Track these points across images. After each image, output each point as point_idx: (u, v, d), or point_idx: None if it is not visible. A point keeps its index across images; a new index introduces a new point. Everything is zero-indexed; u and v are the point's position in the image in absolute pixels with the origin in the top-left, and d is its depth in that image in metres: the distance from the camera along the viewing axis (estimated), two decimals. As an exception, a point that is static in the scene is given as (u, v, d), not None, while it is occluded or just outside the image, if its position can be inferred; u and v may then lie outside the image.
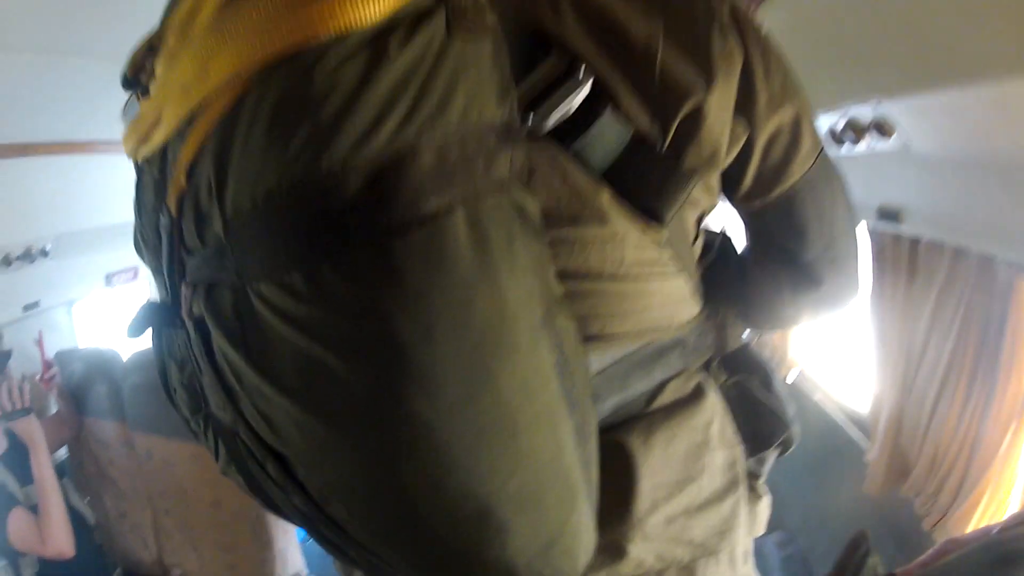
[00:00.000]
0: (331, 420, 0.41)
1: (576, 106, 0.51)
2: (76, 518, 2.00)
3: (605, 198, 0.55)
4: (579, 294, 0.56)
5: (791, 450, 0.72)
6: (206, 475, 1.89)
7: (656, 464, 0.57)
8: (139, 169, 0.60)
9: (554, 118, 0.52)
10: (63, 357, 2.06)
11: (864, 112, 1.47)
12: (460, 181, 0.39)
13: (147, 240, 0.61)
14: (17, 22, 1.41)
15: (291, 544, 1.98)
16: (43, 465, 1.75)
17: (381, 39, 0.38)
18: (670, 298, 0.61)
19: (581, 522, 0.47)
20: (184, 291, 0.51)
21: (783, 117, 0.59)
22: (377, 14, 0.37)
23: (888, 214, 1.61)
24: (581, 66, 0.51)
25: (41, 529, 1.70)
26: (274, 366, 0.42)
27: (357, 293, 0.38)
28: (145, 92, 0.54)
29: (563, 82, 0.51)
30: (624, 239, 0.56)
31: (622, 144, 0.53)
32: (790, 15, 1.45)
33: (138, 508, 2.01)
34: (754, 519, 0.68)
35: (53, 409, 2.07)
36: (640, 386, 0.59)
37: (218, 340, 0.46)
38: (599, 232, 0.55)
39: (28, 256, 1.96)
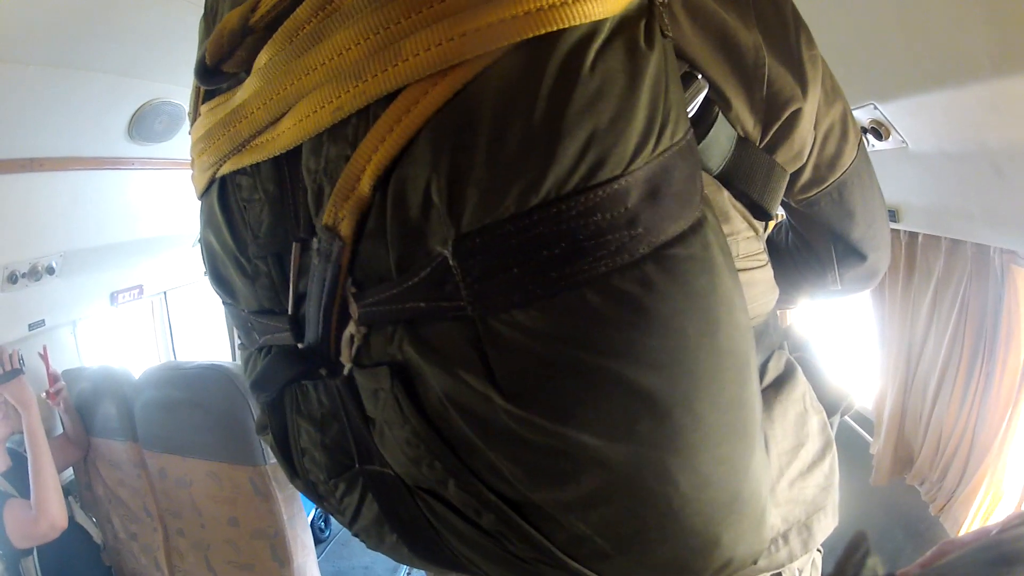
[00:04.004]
0: (620, 440, 0.37)
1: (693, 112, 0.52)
2: (83, 538, 1.95)
3: (726, 198, 0.57)
4: None
5: (850, 413, 0.79)
6: (223, 493, 1.85)
7: (778, 435, 0.61)
8: (221, 185, 0.51)
9: None
10: (70, 376, 2.02)
11: (861, 115, 1.57)
12: (699, 191, 0.40)
13: (253, 273, 0.51)
14: (24, 34, 1.41)
15: (309, 561, 1.95)
16: (35, 428, 1.72)
17: (626, 30, 0.36)
18: (767, 285, 0.65)
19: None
20: (352, 332, 0.44)
21: (835, 114, 0.62)
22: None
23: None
24: (697, 73, 0.51)
25: (34, 502, 1.65)
26: (546, 399, 0.37)
27: (650, 304, 0.36)
28: (229, 84, 0.47)
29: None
30: (738, 234, 0.59)
31: (732, 146, 0.55)
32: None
33: (149, 528, 1.97)
34: None
35: (59, 429, 2.02)
36: None
37: (445, 385, 0.39)
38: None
39: (34, 273, 1.92)
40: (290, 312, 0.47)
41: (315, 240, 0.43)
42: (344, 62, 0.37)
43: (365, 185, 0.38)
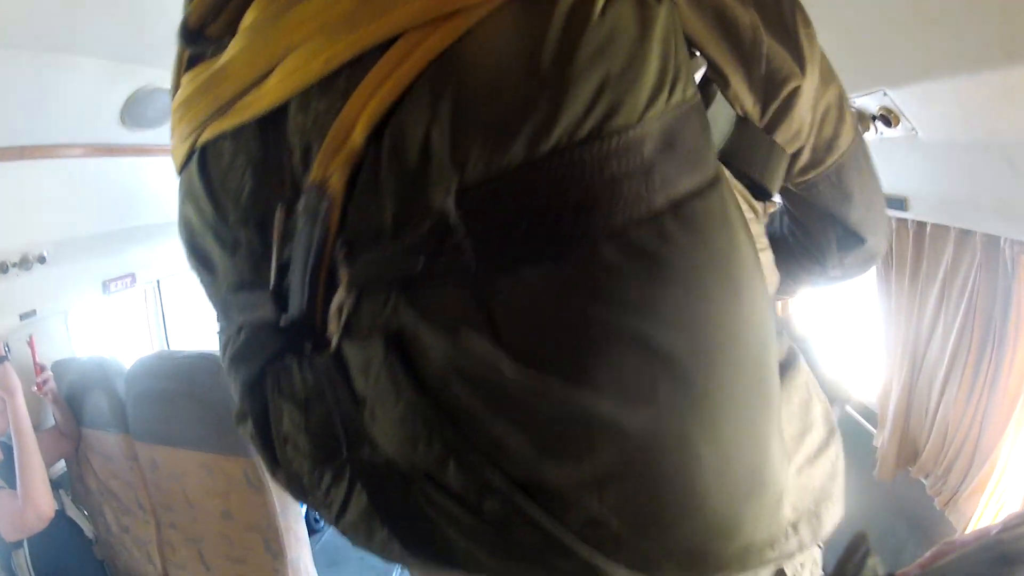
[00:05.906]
0: (638, 405, 0.35)
1: None
2: (74, 531, 1.92)
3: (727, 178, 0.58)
4: None
5: (849, 404, 0.78)
6: (216, 485, 1.83)
7: (784, 420, 0.59)
8: (201, 153, 0.48)
9: None
10: (60, 367, 1.99)
11: (870, 102, 1.54)
12: (713, 151, 0.39)
13: (233, 243, 0.48)
14: (12, 17, 1.37)
15: (304, 553, 1.93)
16: (20, 416, 1.70)
17: None
18: (767, 270, 0.62)
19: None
20: (340, 299, 0.40)
21: (831, 96, 0.62)
22: None
23: (895, 201, 1.67)
24: (695, 51, 0.49)
25: (20, 491, 1.63)
26: (559, 360, 0.35)
27: (669, 258, 0.34)
28: (213, 50, 0.45)
29: None
30: None
31: (730, 126, 0.54)
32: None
33: (141, 522, 1.94)
34: None
35: (50, 422, 1.99)
36: None
37: (447, 350, 0.36)
38: None
39: (25, 263, 1.89)
40: (272, 283, 0.44)
41: (301, 201, 0.40)
42: (335, 13, 0.36)
43: (358, 136, 0.36)
